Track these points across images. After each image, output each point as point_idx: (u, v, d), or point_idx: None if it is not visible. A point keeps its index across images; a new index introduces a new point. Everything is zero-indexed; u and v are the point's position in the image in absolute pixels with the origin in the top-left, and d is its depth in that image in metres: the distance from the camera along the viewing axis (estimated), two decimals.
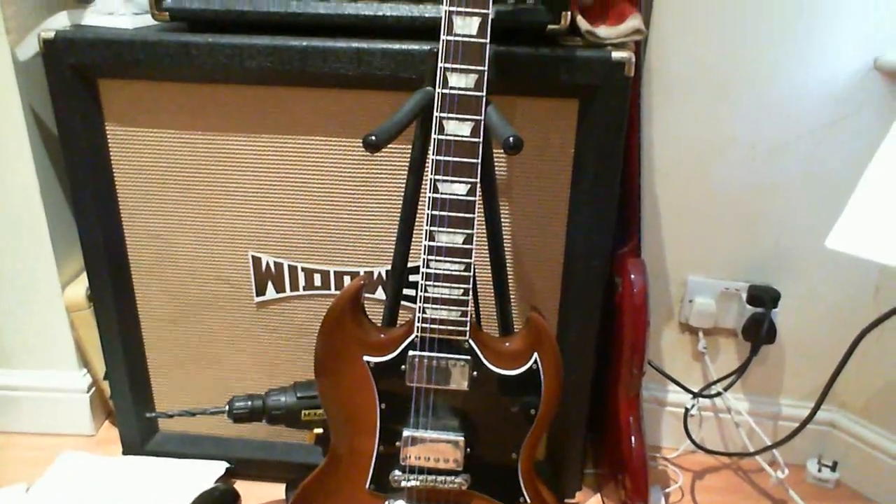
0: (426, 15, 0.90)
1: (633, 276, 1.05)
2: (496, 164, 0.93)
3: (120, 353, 1.11)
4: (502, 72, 0.88)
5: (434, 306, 0.78)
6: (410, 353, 0.80)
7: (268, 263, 1.05)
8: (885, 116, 1.05)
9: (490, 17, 0.72)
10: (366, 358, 0.81)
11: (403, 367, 0.80)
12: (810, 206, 1.13)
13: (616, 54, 0.88)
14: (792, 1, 1.02)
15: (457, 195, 0.75)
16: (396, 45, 0.89)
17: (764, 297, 1.16)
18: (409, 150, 0.83)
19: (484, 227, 0.85)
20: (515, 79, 0.89)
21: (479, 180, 0.75)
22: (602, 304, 1.02)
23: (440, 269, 0.77)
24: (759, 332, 1.16)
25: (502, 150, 0.71)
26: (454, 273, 0.77)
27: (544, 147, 0.95)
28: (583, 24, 0.91)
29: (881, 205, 0.67)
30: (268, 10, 0.91)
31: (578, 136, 0.94)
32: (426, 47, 0.88)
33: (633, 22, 0.92)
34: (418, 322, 0.79)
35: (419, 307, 0.78)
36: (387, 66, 0.90)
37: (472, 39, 0.72)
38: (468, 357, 0.80)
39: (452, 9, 0.71)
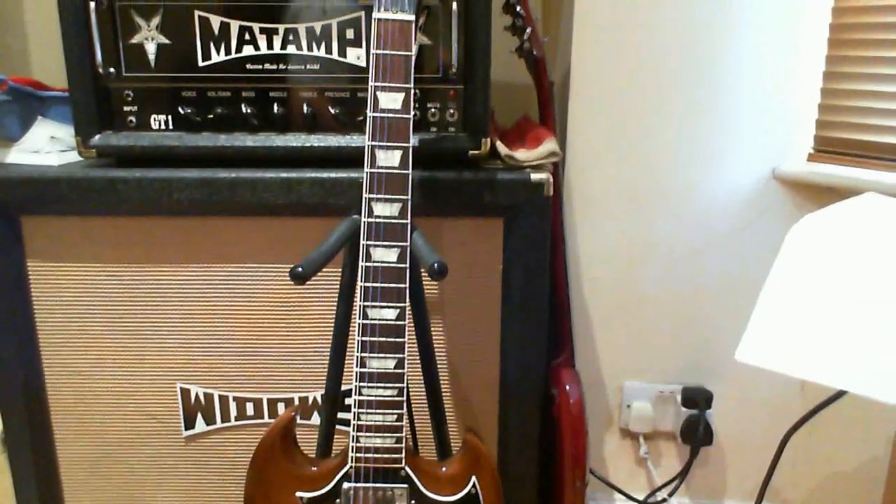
0: (353, 144, 0.93)
1: (568, 387, 1.06)
2: (426, 285, 0.95)
3: (36, 502, 1.03)
4: (427, 195, 0.91)
5: (368, 434, 0.77)
6: (345, 485, 0.77)
7: (197, 395, 1.02)
8: (785, 222, 1.13)
9: (411, 149, 0.75)
10: (298, 494, 0.78)
11: (338, 500, 0.77)
12: (731, 308, 1.18)
13: (535, 175, 0.93)
14: (698, 118, 1.12)
15: (386, 320, 0.76)
16: (325, 174, 0.92)
17: (697, 399, 1.18)
18: (339, 275, 0.84)
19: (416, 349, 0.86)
20: (441, 201, 0.93)
21: (407, 304, 0.76)
22: (541, 418, 1.01)
23: (372, 396, 0.76)
24: (696, 434, 1.18)
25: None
26: (387, 399, 0.76)
27: (472, 265, 0.98)
28: (502, 148, 0.96)
29: (782, 317, 0.70)
30: (196, 144, 0.93)
31: (505, 254, 0.97)
32: (354, 175, 0.92)
33: (549, 145, 0.98)
34: (352, 452, 0.77)
35: (352, 436, 0.77)
36: (316, 193, 0.92)
37: (395, 171, 0.75)
38: (405, 485, 0.78)
39: (374, 143, 0.74)
